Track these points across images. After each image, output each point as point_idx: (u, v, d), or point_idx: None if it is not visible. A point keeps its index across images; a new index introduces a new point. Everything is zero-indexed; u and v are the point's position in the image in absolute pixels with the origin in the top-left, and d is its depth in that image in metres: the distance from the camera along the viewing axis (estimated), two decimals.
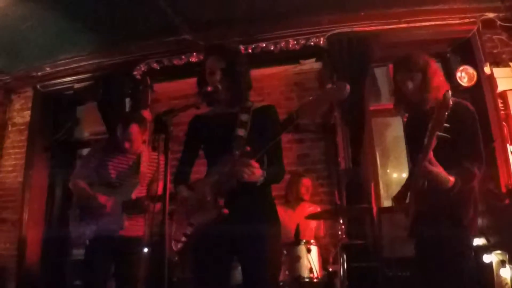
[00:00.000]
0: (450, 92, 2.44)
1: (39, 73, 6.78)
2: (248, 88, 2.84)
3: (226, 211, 2.46)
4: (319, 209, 5.32)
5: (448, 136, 2.44)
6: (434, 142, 2.47)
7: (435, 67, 2.98)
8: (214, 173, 2.60)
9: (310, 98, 2.35)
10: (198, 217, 2.58)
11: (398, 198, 3.12)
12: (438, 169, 2.53)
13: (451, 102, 2.39)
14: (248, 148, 2.42)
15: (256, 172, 2.42)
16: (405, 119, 3.35)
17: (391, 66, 5.90)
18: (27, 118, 6.92)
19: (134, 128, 3.92)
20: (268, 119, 2.73)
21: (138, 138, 3.96)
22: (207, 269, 2.61)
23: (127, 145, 3.93)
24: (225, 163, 2.54)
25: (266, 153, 2.56)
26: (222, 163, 2.56)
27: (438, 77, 2.91)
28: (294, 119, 2.38)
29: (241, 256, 2.64)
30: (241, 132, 2.64)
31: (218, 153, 2.66)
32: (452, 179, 2.55)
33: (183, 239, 2.63)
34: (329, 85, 2.40)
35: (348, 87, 2.25)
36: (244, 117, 2.69)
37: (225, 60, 2.71)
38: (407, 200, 3.00)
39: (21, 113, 7.03)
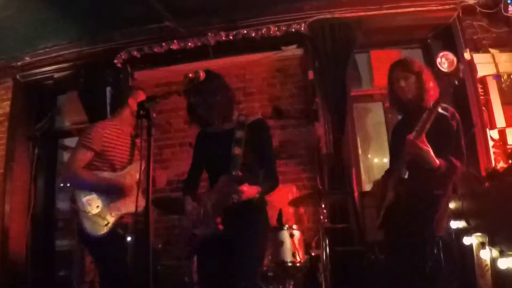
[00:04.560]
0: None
1: (19, 63, 6.66)
2: (230, 105, 3.05)
3: (221, 227, 2.77)
4: (294, 190, 5.45)
5: (446, 113, 2.94)
6: (432, 120, 2.77)
7: (429, 73, 3.22)
8: (215, 191, 2.88)
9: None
10: (199, 230, 2.90)
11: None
12: (428, 149, 2.82)
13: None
14: (240, 173, 2.68)
15: (247, 194, 2.73)
16: (387, 105, 3.53)
17: (372, 52, 5.98)
18: (7, 109, 6.79)
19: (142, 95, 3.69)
20: (261, 135, 3.01)
21: None
22: (209, 269, 2.94)
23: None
24: (223, 182, 2.81)
25: (261, 166, 2.89)
26: (221, 182, 2.83)
27: (431, 82, 3.15)
28: None
29: (234, 253, 2.84)
30: (237, 150, 2.80)
31: (217, 169, 2.92)
32: (438, 162, 2.84)
33: (188, 247, 3.02)
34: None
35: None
36: (239, 134, 2.86)
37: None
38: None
39: (1, 104, 6.90)
